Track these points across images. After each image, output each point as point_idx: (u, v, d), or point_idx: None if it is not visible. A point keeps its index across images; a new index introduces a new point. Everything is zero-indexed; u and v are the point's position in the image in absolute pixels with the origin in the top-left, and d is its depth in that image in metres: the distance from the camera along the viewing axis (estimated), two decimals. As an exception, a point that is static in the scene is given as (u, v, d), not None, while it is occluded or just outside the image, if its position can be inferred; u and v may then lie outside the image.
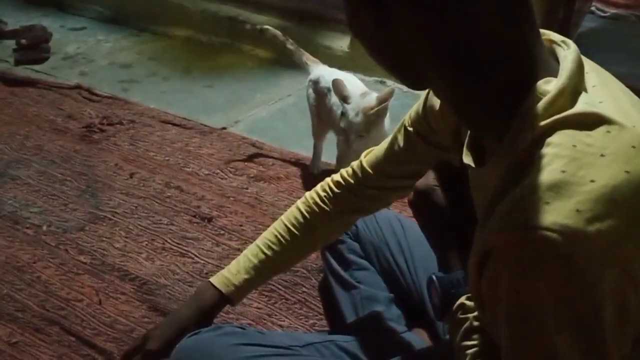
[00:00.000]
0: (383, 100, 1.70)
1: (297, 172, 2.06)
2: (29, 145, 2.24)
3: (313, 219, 1.15)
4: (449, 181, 0.87)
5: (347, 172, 1.16)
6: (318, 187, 1.18)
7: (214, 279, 1.16)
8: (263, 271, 1.16)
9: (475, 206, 0.78)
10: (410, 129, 1.04)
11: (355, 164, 1.15)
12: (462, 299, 0.82)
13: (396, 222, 1.39)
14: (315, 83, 1.96)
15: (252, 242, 1.68)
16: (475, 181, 0.79)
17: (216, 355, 1.01)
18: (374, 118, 1.69)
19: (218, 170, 2.07)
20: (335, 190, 1.15)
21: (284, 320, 1.49)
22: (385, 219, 1.39)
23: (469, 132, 0.78)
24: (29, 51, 2.96)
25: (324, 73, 1.96)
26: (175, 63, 2.94)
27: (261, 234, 1.73)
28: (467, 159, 0.76)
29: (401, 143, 1.06)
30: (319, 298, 1.54)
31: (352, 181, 1.14)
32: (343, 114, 1.72)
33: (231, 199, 1.93)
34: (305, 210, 1.16)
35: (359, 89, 1.80)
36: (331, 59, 2.83)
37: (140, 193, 1.96)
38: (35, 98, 2.58)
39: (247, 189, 1.98)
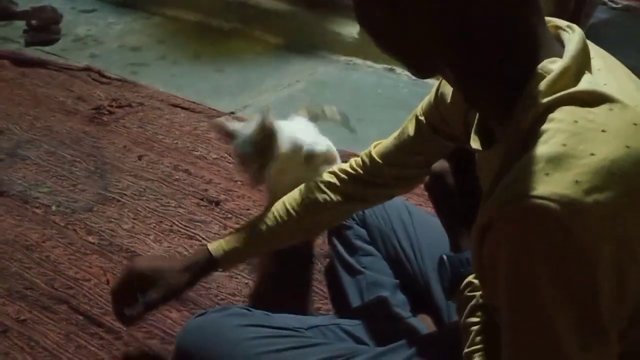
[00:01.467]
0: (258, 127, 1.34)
1: (304, 158, 2.07)
2: (38, 125, 2.26)
3: (313, 204, 1.16)
4: (463, 165, 0.88)
5: (355, 161, 1.17)
6: (325, 175, 1.19)
7: (210, 244, 1.20)
8: (254, 244, 1.20)
9: (482, 188, 0.79)
10: (422, 118, 1.05)
11: (364, 153, 1.16)
12: (470, 278, 0.83)
13: (404, 209, 1.40)
14: None
15: None
16: (481, 164, 0.80)
17: (222, 336, 1.03)
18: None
19: (226, 155, 2.07)
20: (342, 177, 1.16)
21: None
22: (393, 205, 1.39)
23: (477, 117, 0.79)
24: (40, 32, 2.97)
25: None
26: (184, 47, 2.95)
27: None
28: (475, 143, 0.78)
29: (411, 132, 1.07)
30: (324, 283, 1.55)
31: (360, 171, 1.15)
32: None
33: (239, 183, 1.94)
34: (307, 194, 1.17)
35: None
36: (340, 46, 2.83)
37: (148, 175, 1.97)
38: (45, 79, 2.59)
39: (254, 173, 1.99)
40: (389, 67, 2.72)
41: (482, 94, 0.71)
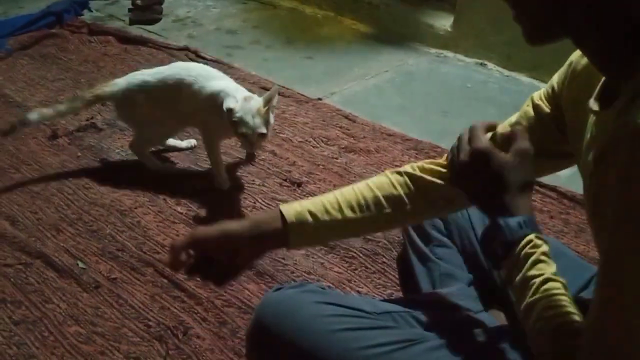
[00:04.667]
0: (269, 99, 1.67)
1: (387, 147, 2.09)
2: (137, 100, 2.38)
3: (409, 201, 1.07)
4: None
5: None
6: (425, 167, 1.10)
7: (288, 224, 1.03)
8: (333, 230, 1.07)
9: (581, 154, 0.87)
10: (539, 102, 1.03)
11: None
12: (531, 236, 0.85)
13: None
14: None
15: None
16: (597, 126, 0.83)
17: (300, 311, 1.05)
18: (267, 116, 1.67)
19: (311, 139, 2.12)
20: (444, 173, 1.08)
21: (362, 287, 1.53)
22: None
23: (599, 84, 0.82)
24: (143, 12, 3.13)
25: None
26: (278, 32, 3.02)
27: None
28: (594, 105, 0.82)
29: (524, 121, 1.05)
30: (397, 269, 1.57)
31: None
32: (237, 121, 1.66)
33: (321, 167, 1.98)
34: (405, 188, 1.08)
35: (241, 94, 1.74)
36: (432, 38, 2.82)
37: (236, 154, 2.05)
38: (146, 56, 2.73)
39: (337, 158, 2.03)
40: (480, 61, 2.69)
41: (612, 59, 0.75)
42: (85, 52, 2.80)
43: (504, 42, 2.60)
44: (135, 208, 1.81)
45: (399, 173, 1.09)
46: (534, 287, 0.82)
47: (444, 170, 1.08)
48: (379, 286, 1.54)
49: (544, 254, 0.84)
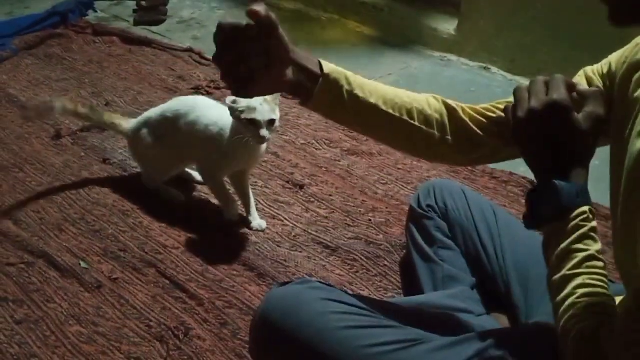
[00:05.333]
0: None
1: (389, 149, 2.08)
2: (141, 100, 2.39)
3: (437, 128, 1.03)
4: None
5: (499, 103, 1.06)
6: (465, 109, 1.06)
7: (325, 63, 0.98)
8: (359, 109, 1.00)
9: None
10: (592, 75, 0.99)
11: (507, 99, 1.05)
12: (585, 208, 0.82)
13: (489, 208, 1.39)
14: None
15: (340, 212, 1.78)
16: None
17: (305, 306, 1.04)
18: (274, 105, 1.58)
19: (313, 141, 2.12)
20: (486, 114, 1.05)
21: (363, 290, 1.53)
22: (477, 204, 1.39)
23: None
24: (148, 13, 3.14)
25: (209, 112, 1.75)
26: (282, 34, 3.02)
27: (349, 205, 1.80)
28: None
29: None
30: (399, 273, 1.57)
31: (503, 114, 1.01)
32: (245, 109, 1.56)
33: (323, 169, 1.98)
34: (442, 112, 1.04)
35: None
36: (436, 42, 2.81)
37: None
38: (150, 57, 2.74)
39: (339, 161, 2.03)
40: (484, 65, 2.68)
41: None
42: (90, 52, 2.80)
43: (508, 46, 2.60)
44: (138, 209, 1.81)
45: (436, 99, 1.06)
46: (576, 260, 0.80)
47: (484, 119, 1.04)
48: (380, 289, 1.54)
49: (593, 229, 0.82)
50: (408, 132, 1.03)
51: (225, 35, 0.87)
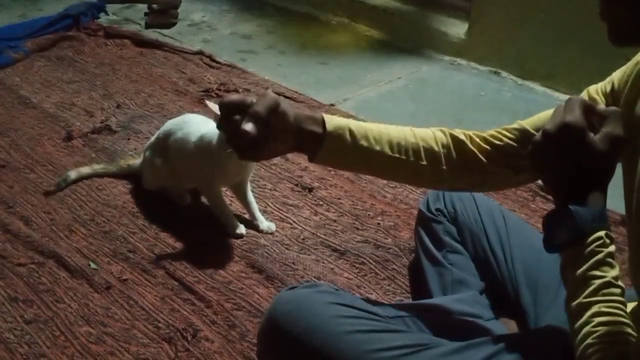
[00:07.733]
0: None
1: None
2: (151, 102, 2.40)
3: (446, 162, 1.04)
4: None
5: (507, 130, 1.06)
6: (473, 138, 1.06)
7: (328, 119, 0.98)
8: (364, 158, 1.01)
9: None
10: (595, 96, 0.99)
11: (513, 126, 1.07)
12: (601, 233, 0.81)
13: (498, 212, 1.38)
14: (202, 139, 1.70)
15: (348, 215, 1.78)
16: None
17: (313, 310, 1.05)
18: None
19: (323, 144, 2.12)
20: (494, 143, 1.05)
21: (371, 294, 1.53)
22: (486, 208, 1.39)
23: None
24: (159, 16, 3.16)
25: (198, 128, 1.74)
26: (292, 38, 3.03)
27: (358, 208, 1.81)
28: None
29: None
30: (407, 277, 1.57)
31: (512, 143, 1.04)
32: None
33: (332, 172, 1.98)
34: (445, 149, 1.04)
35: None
36: (446, 46, 2.81)
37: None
38: (161, 60, 2.75)
39: (349, 164, 2.02)
40: (494, 70, 2.68)
41: None
42: (101, 54, 2.82)
43: (518, 51, 2.60)
44: (148, 210, 1.82)
45: (443, 132, 1.06)
46: (592, 287, 0.79)
47: (492, 148, 1.04)
48: (388, 292, 1.54)
49: (609, 254, 0.81)
50: (415, 171, 1.04)
51: (227, 110, 0.91)
